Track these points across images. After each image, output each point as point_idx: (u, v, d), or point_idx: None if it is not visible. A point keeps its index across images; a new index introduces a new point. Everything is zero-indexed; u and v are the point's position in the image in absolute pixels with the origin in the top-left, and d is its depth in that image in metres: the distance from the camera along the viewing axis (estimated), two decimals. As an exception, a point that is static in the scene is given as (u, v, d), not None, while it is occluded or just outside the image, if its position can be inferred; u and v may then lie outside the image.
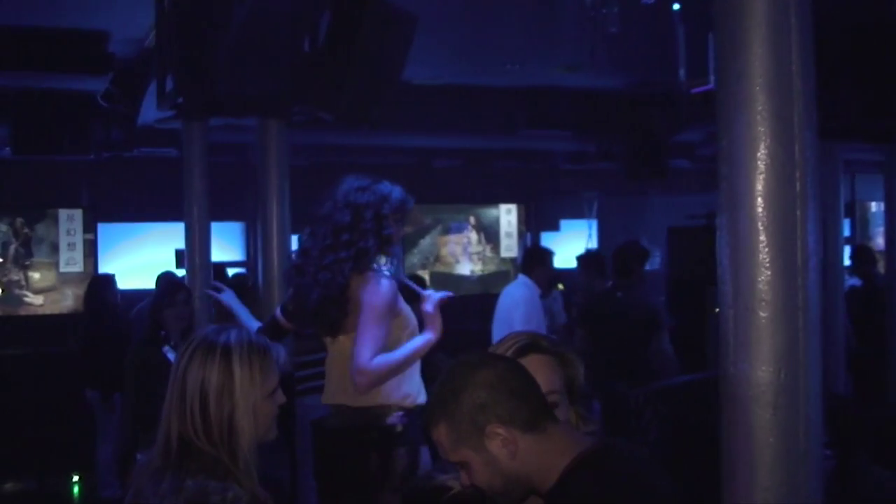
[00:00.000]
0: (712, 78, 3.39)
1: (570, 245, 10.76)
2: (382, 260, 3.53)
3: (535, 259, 6.74)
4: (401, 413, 3.48)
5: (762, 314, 2.38)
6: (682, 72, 4.58)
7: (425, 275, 10.43)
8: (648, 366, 5.82)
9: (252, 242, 10.21)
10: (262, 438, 2.09)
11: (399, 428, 3.46)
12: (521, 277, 6.62)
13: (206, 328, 2.14)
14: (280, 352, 2.16)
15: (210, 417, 2.01)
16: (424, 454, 3.69)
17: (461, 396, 1.75)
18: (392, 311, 3.45)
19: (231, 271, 8.06)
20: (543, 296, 6.74)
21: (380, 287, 3.42)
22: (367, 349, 3.33)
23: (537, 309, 6.48)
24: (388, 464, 3.42)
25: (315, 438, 3.73)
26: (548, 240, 11.79)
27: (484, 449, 1.74)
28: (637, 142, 8.92)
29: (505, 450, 1.73)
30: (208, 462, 1.99)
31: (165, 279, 6.44)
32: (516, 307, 6.37)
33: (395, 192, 3.59)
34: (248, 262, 10.15)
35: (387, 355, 3.40)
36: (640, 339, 5.87)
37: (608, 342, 5.93)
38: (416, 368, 3.55)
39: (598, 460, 1.73)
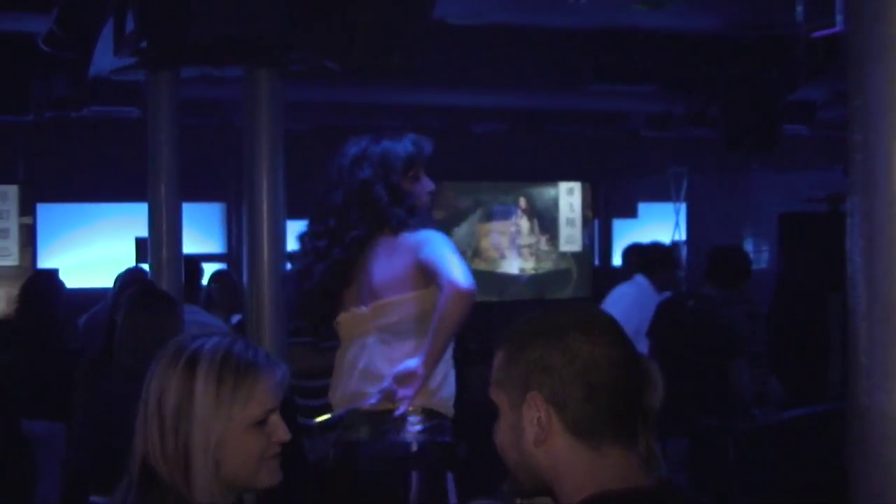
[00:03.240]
0: (840, 18, 3.37)
1: (650, 235, 10.70)
2: None
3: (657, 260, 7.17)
4: (418, 428, 3.59)
5: (905, 328, 2.37)
6: (799, 9, 4.55)
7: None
8: (725, 396, 5.83)
9: (235, 229, 10.28)
10: (246, 484, 2.08)
11: (414, 447, 3.58)
12: (638, 277, 7.01)
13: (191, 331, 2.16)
14: (281, 371, 2.13)
15: (166, 441, 2.03)
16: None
17: (537, 342, 1.78)
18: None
19: (209, 267, 8.11)
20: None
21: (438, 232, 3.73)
22: (457, 268, 3.54)
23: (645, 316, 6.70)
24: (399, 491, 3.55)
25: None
26: (622, 228, 11.77)
27: (518, 410, 1.77)
28: (740, 101, 8.88)
29: (535, 429, 1.75)
30: (158, 495, 2.02)
31: (132, 277, 6.48)
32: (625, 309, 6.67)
33: (399, 147, 3.79)
34: (230, 256, 10.23)
35: None
36: (709, 364, 5.88)
37: (672, 363, 5.98)
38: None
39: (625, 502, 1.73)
